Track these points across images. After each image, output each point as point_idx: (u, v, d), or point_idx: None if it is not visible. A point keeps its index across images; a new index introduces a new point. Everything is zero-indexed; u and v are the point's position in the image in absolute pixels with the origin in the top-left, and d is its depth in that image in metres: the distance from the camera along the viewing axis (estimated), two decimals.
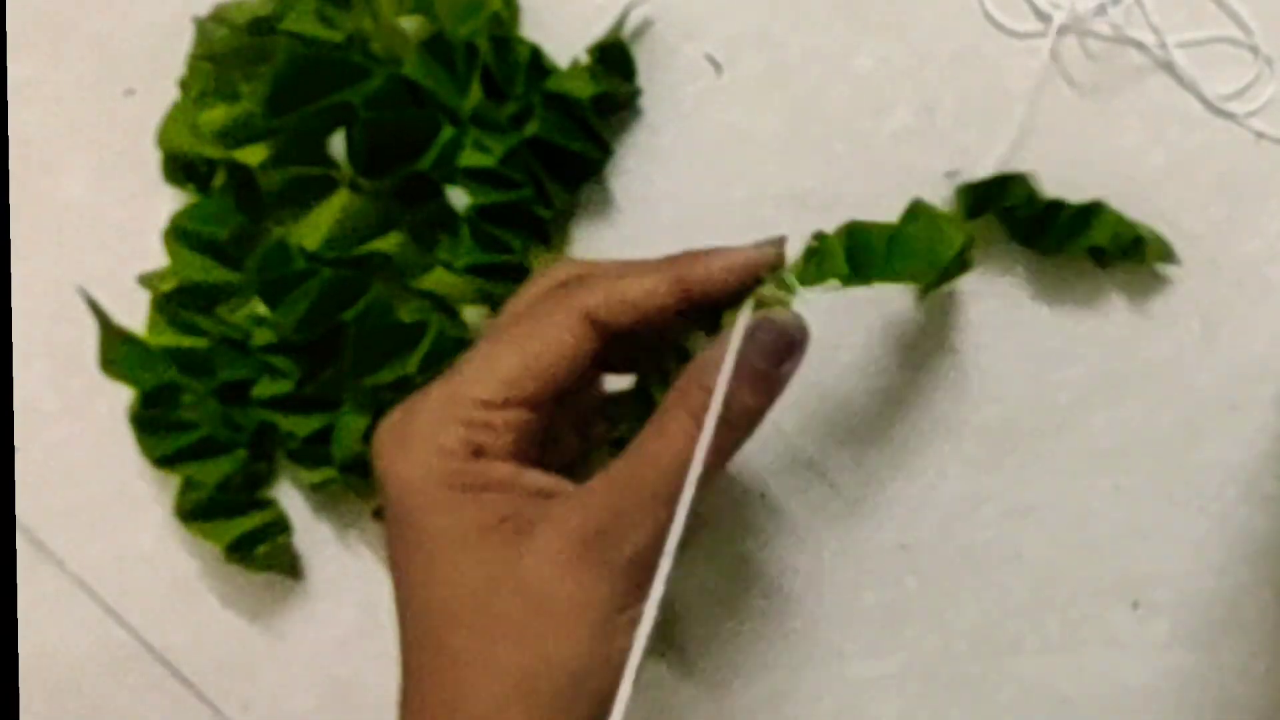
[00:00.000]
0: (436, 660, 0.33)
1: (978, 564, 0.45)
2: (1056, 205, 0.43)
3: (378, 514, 0.45)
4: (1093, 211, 0.43)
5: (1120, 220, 0.43)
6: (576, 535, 0.33)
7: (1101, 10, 0.45)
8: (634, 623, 0.32)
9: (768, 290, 0.37)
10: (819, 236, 0.39)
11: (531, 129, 0.44)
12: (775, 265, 0.37)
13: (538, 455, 0.36)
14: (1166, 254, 0.44)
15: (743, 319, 0.35)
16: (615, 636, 0.32)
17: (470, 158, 0.44)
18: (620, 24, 0.45)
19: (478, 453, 0.34)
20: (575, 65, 0.45)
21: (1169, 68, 0.45)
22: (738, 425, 0.35)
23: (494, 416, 0.34)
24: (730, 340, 0.35)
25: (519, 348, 0.35)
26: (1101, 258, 0.44)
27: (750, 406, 0.35)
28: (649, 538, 0.33)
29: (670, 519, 0.33)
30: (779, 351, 0.36)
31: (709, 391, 0.34)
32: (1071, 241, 0.43)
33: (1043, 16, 0.45)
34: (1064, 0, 0.45)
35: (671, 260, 0.37)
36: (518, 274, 0.44)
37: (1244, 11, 0.45)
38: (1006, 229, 0.44)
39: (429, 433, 0.34)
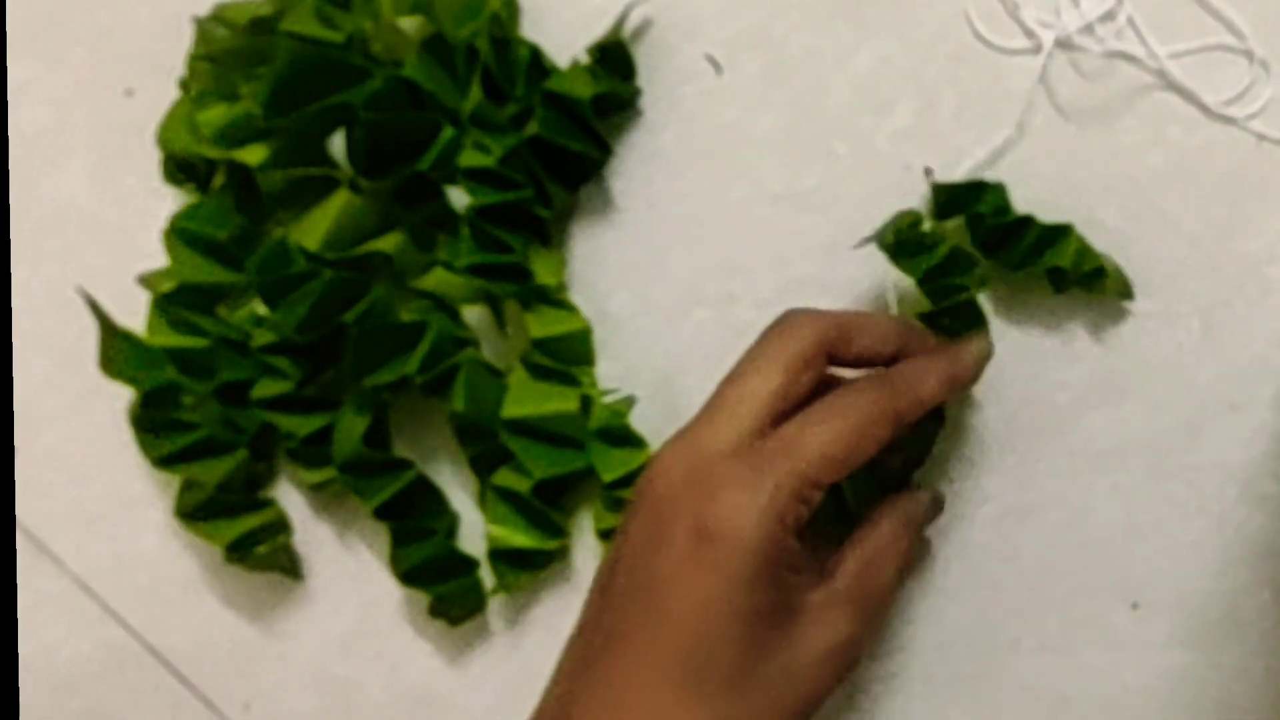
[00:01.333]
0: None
1: (977, 564, 0.45)
2: (1026, 221, 0.43)
3: (379, 513, 0.45)
4: (1060, 233, 0.43)
5: (1085, 248, 0.43)
6: (842, 643, 0.37)
7: (1091, 28, 0.45)
8: None
9: None
10: None
11: (531, 129, 0.44)
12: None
13: None
14: (1125, 290, 0.44)
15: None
16: None
17: (470, 158, 0.44)
18: (620, 24, 0.45)
19: (799, 533, 0.37)
20: (575, 65, 0.45)
21: (1166, 78, 0.45)
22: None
23: (818, 496, 0.37)
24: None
25: (834, 428, 0.37)
26: (1060, 281, 0.44)
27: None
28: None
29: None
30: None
31: (910, 525, 0.41)
32: (1033, 260, 0.43)
33: (1032, 35, 0.45)
34: (1054, 19, 0.45)
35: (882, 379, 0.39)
36: (518, 274, 0.44)
37: (1236, 17, 0.45)
38: (970, 236, 0.44)
39: (777, 502, 0.36)
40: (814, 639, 0.37)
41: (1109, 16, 0.45)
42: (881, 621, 0.39)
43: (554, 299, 0.45)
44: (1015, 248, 0.43)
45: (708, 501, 0.36)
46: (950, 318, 0.43)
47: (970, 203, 0.43)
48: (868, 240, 0.43)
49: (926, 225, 0.44)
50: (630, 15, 0.45)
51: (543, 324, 0.45)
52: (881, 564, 0.39)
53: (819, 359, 0.38)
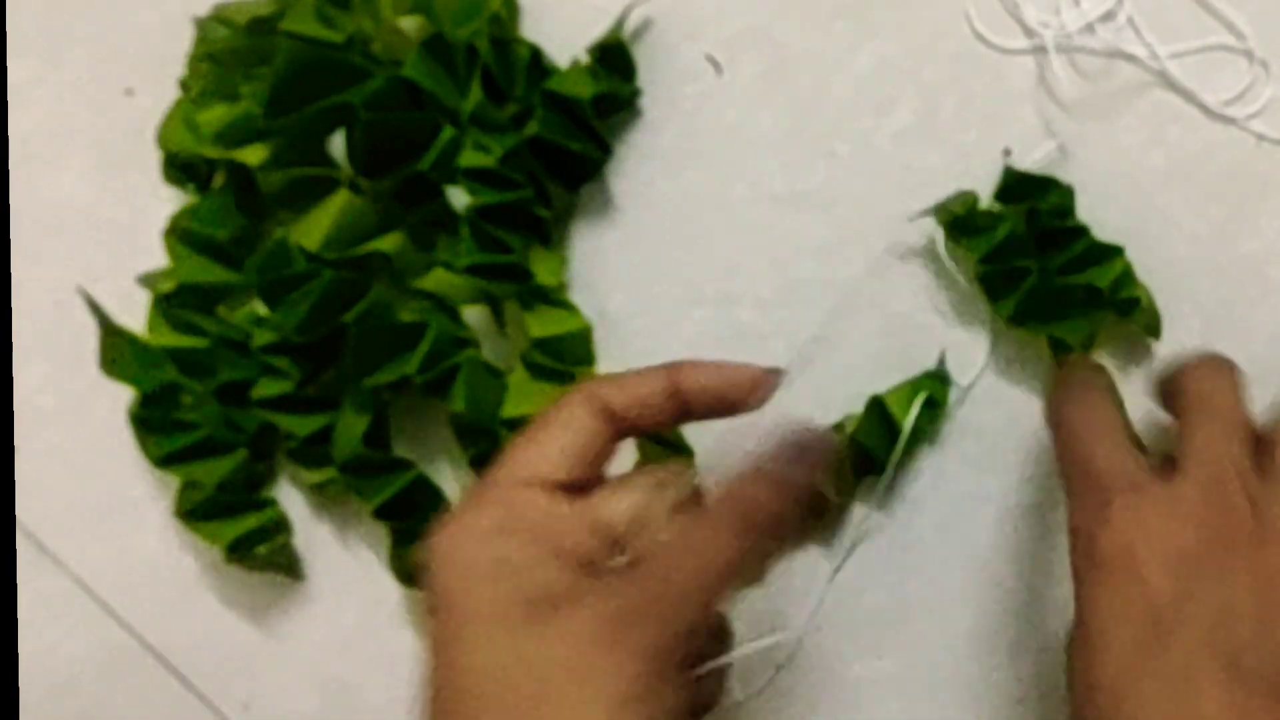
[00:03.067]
0: None
1: (978, 564, 0.45)
2: (1079, 230, 0.43)
3: (379, 513, 0.45)
4: (1109, 253, 0.43)
5: (1128, 274, 0.43)
6: (600, 618, 0.34)
7: (1092, 28, 0.45)
8: (646, 713, 0.33)
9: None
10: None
11: (531, 129, 0.44)
12: (765, 393, 0.37)
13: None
14: (1153, 327, 0.44)
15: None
16: None
17: (470, 158, 0.44)
18: (620, 24, 0.45)
19: (509, 531, 0.35)
20: (575, 65, 0.45)
21: (1166, 78, 0.45)
22: (761, 528, 0.36)
23: (521, 496, 0.36)
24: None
25: (536, 437, 0.37)
26: (1096, 299, 0.43)
27: (767, 508, 0.36)
28: (671, 633, 0.34)
29: (695, 619, 0.34)
30: (795, 455, 0.37)
31: (738, 498, 0.36)
32: (1075, 271, 0.43)
33: (1032, 35, 0.45)
34: (1053, 19, 0.45)
35: (671, 365, 0.38)
36: (518, 274, 0.44)
37: (1236, 17, 0.45)
38: (1026, 226, 0.43)
39: (469, 515, 0.36)
40: None
41: (1109, 16, 0.45)
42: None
43: (554, 299, 0.45)
44: (1062, 253, 0.43)
45: (431, 551, 0.35)
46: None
47: (1034, 195, 0.43)
48: (925, 213, 0.43)
49: (984, 206, 0.44)
50: (630, 15, 0.45)
51: (543, 324, 0.45)
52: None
53: (599, 413, 0.37)
